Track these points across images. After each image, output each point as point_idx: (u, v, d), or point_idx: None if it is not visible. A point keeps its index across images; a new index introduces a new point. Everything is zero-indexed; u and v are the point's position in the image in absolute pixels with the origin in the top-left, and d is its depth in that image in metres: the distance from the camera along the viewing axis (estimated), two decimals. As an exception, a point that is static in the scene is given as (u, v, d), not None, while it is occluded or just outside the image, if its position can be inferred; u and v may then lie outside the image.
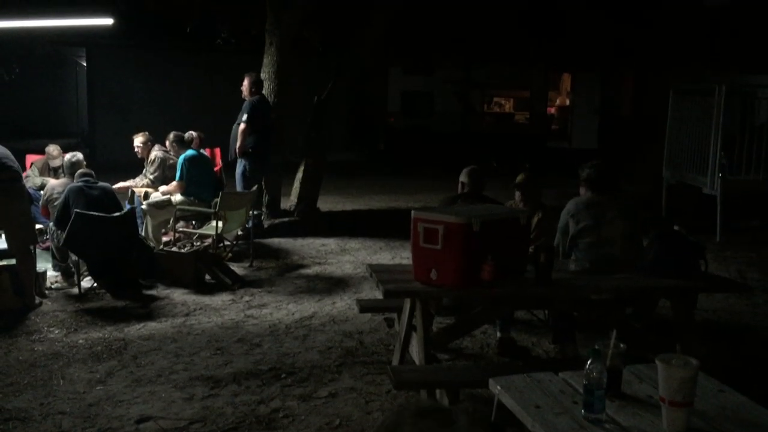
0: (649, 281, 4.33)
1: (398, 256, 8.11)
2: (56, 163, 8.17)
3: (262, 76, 9.45)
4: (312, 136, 10.09)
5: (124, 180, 8.31)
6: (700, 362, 2.26)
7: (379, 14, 10.04)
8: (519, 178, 5.67)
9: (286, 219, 9.54)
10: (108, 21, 8.33)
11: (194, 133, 8.54)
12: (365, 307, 5.22)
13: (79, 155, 6.82)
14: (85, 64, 18.66)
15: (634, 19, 17.00)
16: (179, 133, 8.25)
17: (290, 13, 9.43)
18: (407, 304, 4.32)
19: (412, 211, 4.07)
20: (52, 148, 8.34)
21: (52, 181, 7.27)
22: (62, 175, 7.46)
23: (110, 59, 16.97)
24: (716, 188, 9.37)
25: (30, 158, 8.69)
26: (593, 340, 5.04)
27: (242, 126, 8.47)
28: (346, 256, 8.18)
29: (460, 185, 5.49)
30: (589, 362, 2.30)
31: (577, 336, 4.83)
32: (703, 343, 4.63)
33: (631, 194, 9.17)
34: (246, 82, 8.69)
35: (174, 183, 7.83)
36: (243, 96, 8.68)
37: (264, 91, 9.03)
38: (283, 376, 4.62)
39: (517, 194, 5.57)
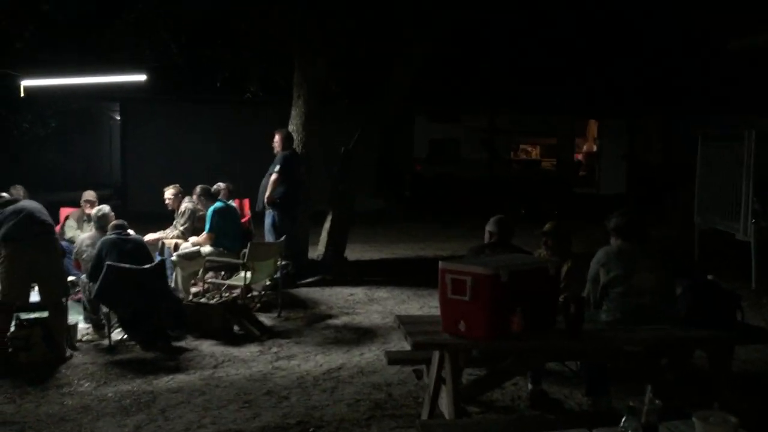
0: (684, 332, 4.24)
1: (426, 305, 8.06)
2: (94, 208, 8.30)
3: (290, 127, 9.61)
4: (339, 187, 10.17)
5: (155, 231, 8.42)
6: (740, 419, 2.20)
7: (405, 65, 10.19)
8: (547, 226, 5.64)
9: (314, 269, 9.56)
10: (141, 77, 8.58)
11: (222, 185, 8.67)
12: (393, 359, 5.17)
13: (106, 208, 6.94)
14: (118, 118, 19.13)
15: (660, 65, 17.06)
16: (206, 186, 8.37)
17: (317, 66, 9.62)
18: (436, 357, 4.27)
19: (440, 262, 4.06)
20: (90, 194, 8.47)
21: (81, 235, 7.38)
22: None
23: (143, 113, 17.38)
24: (749, 234, 9.22)
25: (64, 211, 8.85)
26: (627, 391, 4.94)
27: (274, 176, 8.60)
28: (374, 305, 8.15)
29: (487, 234, 5.46)
30: (623, 419, 2.25)
31: (611, 387, 4.72)
32: (742, 398, 4.50)
33: (661, 241, 9.06)
34: (277, 138, 8.86)
35: (204, 234, 7.91)
36: (275, 151, 8.84)
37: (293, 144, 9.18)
38: (312, 429, 4.57)
39: (546, 243, 5.53)
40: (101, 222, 6.76)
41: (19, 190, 7.43)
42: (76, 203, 8.75)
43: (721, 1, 14.61)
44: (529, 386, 5.10)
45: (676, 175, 14.68)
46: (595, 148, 22.67)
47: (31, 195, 7.38)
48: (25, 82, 8.31)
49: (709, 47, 15.75)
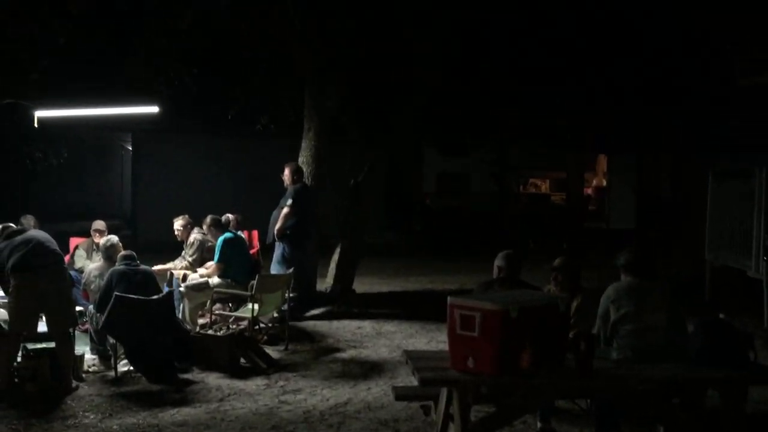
0: (697, 372, 4.18)
1: (434, 339, 7.99)
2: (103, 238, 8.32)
3: (300, 160, 9.65)
4: (348, 219, 10.18)
5: (165, 262, 8.42)
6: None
7: (415, 98, 10.26)
8: (557, 261, 5.60)
9: (321, 301, 9.52)
10: (153, 109, 8.66)
11: (231, 216, 8.68)
12: (401, 394, 5.11)
13: (114, 239, 6.96)
14: (130, 149, 19.29)
15: (669, 101, 17.08)
16: (216, 216, 8.38)
17: (327, 100, 9.70)
18: (444, 393, 4.23)
19: (449, 298, 4.03)
20: (99, 224, 8.48)
21: (90, 266, 7.39)
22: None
23: (154, 143, 17.53)
24: (762, 271, 9.13)
25: (74, 241, 8.87)
26: (638, 430, 4.85)
27: (286, 209, 8.60)
28: (381, 339, 8.09)
29: (496, 269, 5.43)
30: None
31: (622, 426, 4.64)
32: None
33: (672, 278, 8.98)
34: (287, 171, 8.88)
35: (212, 264, 7.91)
36: (285, 185, 8.85)
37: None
38: (317, 466, 4.50)
39: (555, 278, 5.49)
40: (109, 252, 6.77)
41: (29, 220, 7.47)
42: (86, 233, 8.78)
43: (734, 38, 14.66)
44: (539, 424, 5.03)
45: (687, 211, 14.63)
46: (604, 183, 22.65)
47: (42, 224, 7.42)
48: (39, 113, 8.41)
49: (720, 83, 15.80)
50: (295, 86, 9.94)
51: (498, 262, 5.42)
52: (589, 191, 23.42)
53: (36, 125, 8.55)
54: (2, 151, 16.27)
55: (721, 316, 4.54)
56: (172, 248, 8.94)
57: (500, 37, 11.02)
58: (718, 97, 16.21)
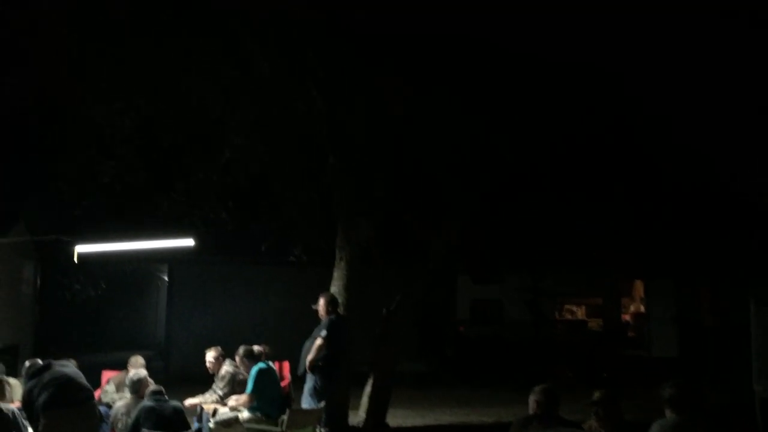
0: None
1: (472, 478, 7.62)
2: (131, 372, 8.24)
3: (332, 289, 9.67)
4: (381, 348, 10.04)
5: (197, 394, 8.30)
6: None
7: (448, 228, 10.35)
8: (596, 395, 5.39)
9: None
10: (189, 242, 8.85)
11: (259, 347, 8.60)
12: None
13: (142, 373, 6.88)
14: (166, 279, 19.58)
15: (706, 226, 16.92)
16: (249, 347, 8.32)
17: (360, 230, 9.83)
18: None
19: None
20: (138, 360, 8.36)
21: (117, 402, 7.28)
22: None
23: (189, 274, 17.77)
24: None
25: (106, 374, 8.83)
26: None
27: (319, 341, 8.47)
28: (416, 478, 7.74)
29: (533, 404, 5.22)
30: None
31: None
32: None
33: (719, 411, 8.57)
34: (322, 302, 8.82)
35: (244, 395, 7.77)
36: (320, 315, 8.78)
37: (335, 306, 9.20)
38: None
39: (596, 413, 5.26)
40: (136, 387, 6.69)
41: (71, 364, 7.39)
42: (122, 364, 8.73)
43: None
44: None
45: (731, 338, 14.16)
46: (642, 309, 22.18)
47: (77, 355, 7.40)
48: (79, 248, 8.65)
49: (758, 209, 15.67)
50: (328, 217, 10.14)
51: (535, 396, 5.22)
52: (627, 317, 22.89)
53: (76, 261, 8.77)
54: (43, 285, 16.64)
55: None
56: (205, 379, 8.83)
57: (533, 170, 11.23)
58: (757, 221, 16.05)
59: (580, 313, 22.63)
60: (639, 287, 22.73)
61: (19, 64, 8.77)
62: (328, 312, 8.76)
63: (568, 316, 22.52)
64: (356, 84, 8.98)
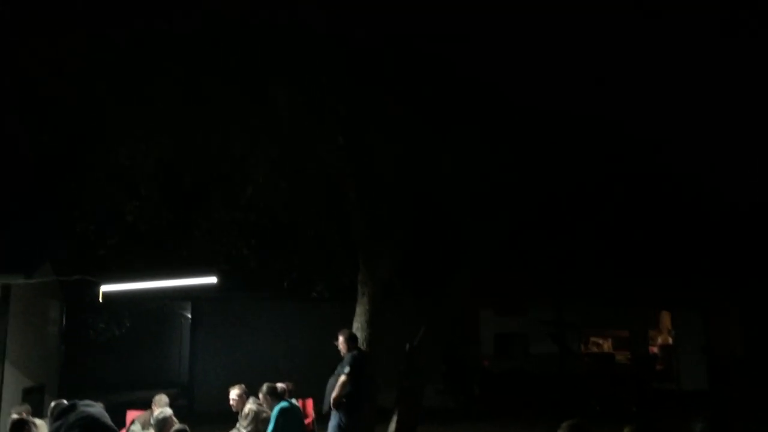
0: None
1: None
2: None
3: (355, 325, 9.64)
4: (405, 384, 9.94)
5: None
6: None
7: (470, 261, 10.30)
8: (626, 430, 5.29)
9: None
10: (212, 280, 8.92)
11: (284, 385, 8.55)
12: None
13: (167, 412, 6.88)
14: (189, 317, 19.64)
15: (736, 253, 16.65)
16: (272, 384, 8.29)
17: (382, 265, 9.82)
18: None
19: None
20: (162, 399, 8.38)
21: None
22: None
23: (212, 311, 17.82)
24: None
25: (131, 414, 8.83)
26: None
27: (343, 378, 8.40)
28: None
29: (561, 440, 5.14)
30: None
31: None
32: None
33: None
34: (341, 339, 8.79)
35: (266, 437, 7.71)
36: (342, 354, 8.74)
37: (357, 342, 9.15)
38: None
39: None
40: (161, 426, 6.69)
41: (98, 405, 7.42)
42: (146, 403, 8.74)
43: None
44: None
45: (762, 369, 13.86)
46: (670, 341, 21.81)
47: (101, 396, 7.42)
48: (105, 287, 8.75)
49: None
50: (350, 253, 10.16)
51: (562, 432, 5.14)
52: (655, 350, 22.50)
53: (101, 300, 8.85)
54: (68, 325, 16.77)
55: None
56: (229, 417, 8.79)
57: (555, 204, 11.20)
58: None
59: (607, 346, 22.29)
60: (666, 319, 22.38)
61: (43, 105, 8.96)
62: (348, 348, 8.72)
63: (594, 349, 22.19)
64: (377, 122, 9.06)
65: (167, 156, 9.32)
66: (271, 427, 7.72)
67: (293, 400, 8.41)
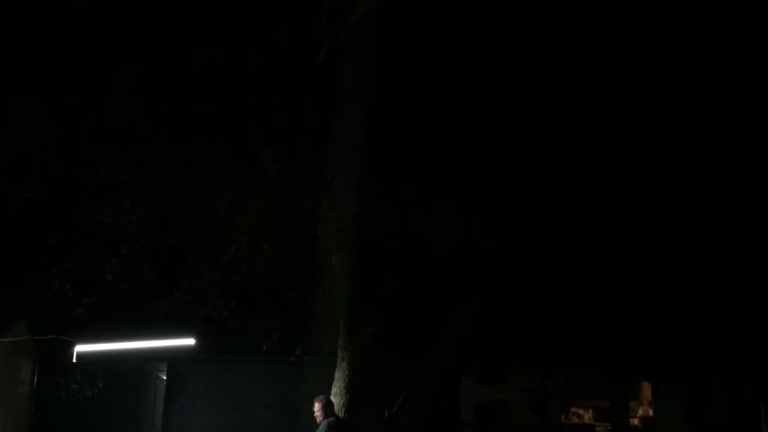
0: None
1: None
2: None
3: (333, 390, 9.48)
4: (384, 453, 9.75)
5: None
6: None
7: (451, 327, 10.26)
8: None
9: None
10: (190, 341, 8.79)
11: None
12: None
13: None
14: (164, 377, 19.24)
15: (714, 330, 16.59)
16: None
17: (364, 329, 9.73)
18: None
19: None
20: None
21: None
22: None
23: (189, 373, 17.51)
24: None
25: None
26: None
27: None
28: None
29: None
30: None
31: None
32: None
33: None
34: (317, 405, 8.65)
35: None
36: (317, 421, 8.59)
37: (335, 407, 8.98)
38: None
39: None
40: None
41: None
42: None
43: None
44: None
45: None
46: (651, 412, 21.61)
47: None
48: (79, 348, 8.57)
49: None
50: (331, 316, 10.08)
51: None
52: (635, 422, 22.26)
53: (75, 360, 8.67)
54: (39, 385, 16.36)
55: None
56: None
57: (538, 271, 11.25)
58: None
59: (588, 416, 22.03)
60: (646, 390, 22.22)
61: (25, 161, 8.95)
62: (325, 415, 8.58)
63: (575, 420, 21.91)
64: (361, 186, 9.14)
65: (151, 214, 9.30)
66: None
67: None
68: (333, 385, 9.64)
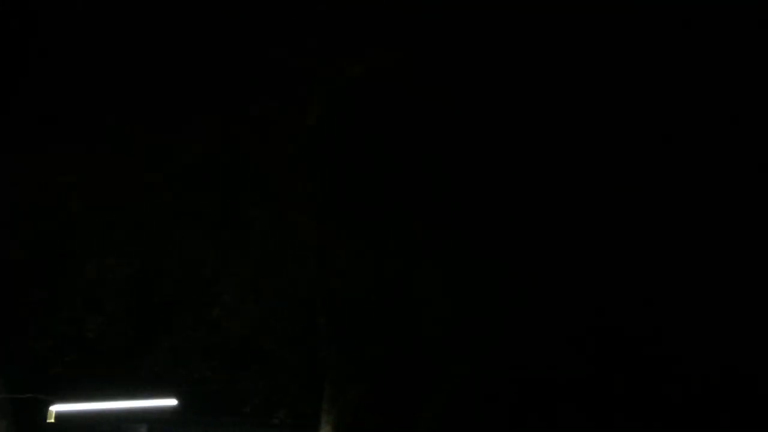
0: None
1: None
2: None
3: (317, 456, 9.29)
4: None
5: None
6: None
7: (440, 394, 10.14)
8: None
9: None
10: (172, 402, 8.63)
11: None
12: None
13: None
14: (143, 440, 18.73)
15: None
16: None
17: (348, 393, 9.60)
18: None
19: None
20: None
21: None
22: None
23: (168, 434, 17.07)
24: None
25: None
26: None
27: None
28: None
29: None
30: None
31: None
32: None
33: None
34: None
35: None
36: None
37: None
38: None
39: None
40: None
41: None
42: None
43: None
44: None
45: None
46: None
47: None
48: (57, 408, 8.36)
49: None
50: (316, 380, 9.97)
51: None
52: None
53: (52, 420, 8.46)
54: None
55: None
56: None
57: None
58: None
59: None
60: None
61: (11, 219, 8.91)
62: None
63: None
64: (349, 250, 9.19)
65: (136, 272, 9.24)
66: None
67: None
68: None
